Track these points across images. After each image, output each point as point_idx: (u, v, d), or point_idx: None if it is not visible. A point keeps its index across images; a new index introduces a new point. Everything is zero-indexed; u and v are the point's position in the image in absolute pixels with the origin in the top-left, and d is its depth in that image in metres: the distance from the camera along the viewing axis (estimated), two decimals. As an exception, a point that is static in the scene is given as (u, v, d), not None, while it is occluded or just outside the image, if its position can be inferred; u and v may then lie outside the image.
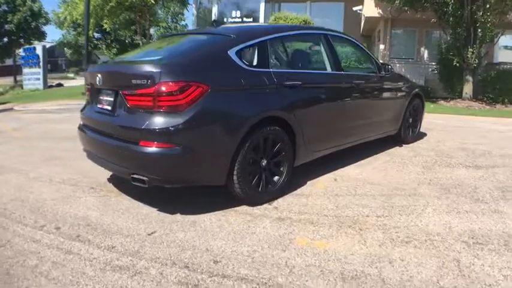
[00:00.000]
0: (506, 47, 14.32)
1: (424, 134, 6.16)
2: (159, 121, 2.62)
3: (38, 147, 5.24)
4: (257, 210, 3.04)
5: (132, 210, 3.02)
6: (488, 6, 10.42)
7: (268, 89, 3.13)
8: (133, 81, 2.69)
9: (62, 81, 21.73)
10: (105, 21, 16.25)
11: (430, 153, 5.01)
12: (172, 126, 2.60)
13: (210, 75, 2.79)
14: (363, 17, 17.69)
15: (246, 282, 2.05)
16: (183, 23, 35.68)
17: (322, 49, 3.87)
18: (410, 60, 16.69)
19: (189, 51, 3.17)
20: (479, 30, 10.90)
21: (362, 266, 2.23)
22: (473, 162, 4.54)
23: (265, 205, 3.13)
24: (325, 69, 3.86)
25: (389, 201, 3.25)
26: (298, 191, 3.48)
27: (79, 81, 19.49)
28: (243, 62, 3.04)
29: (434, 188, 3.61)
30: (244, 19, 22.30)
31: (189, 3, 20.89)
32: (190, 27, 25.66)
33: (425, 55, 17.07)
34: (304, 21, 16.88)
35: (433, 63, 14.93)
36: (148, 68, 2.69)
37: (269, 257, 2.32)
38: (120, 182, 3.59)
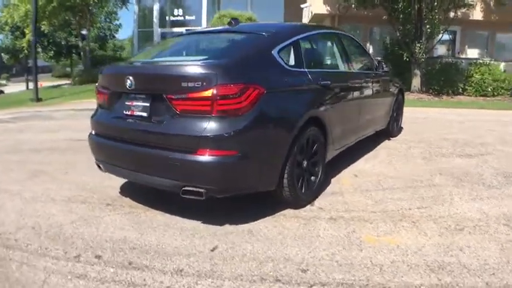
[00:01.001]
0: (442, 42, 15.62)
1: (401, 127, 6.56)
2: (219, 127, 2.45)
3: (10, 162, 4.66)
4: (304, 212, 3.04)
5: (172, 225, 2.80)
6: (435, 3, 11.33)
7: (307, 89, 3.14)
8: (184, 84, 2.48)
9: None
10: (43, 22, 15.15)
11: (420, 144, 5.37)
12: (233, 132, 2.46)
13: (262, 76, 2.71)
14: (310, 14, 18.26)
15: (348, 287, 2.08)
16: (116, 22, 34.68)
17: (339, 48, 3.99)
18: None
19: (236, 51, 3.01)
20: (427, 26, 11.80)
21: (440, 256, 2.34)
22: (463, 152, 4.96)
23: (308, 207, 3.13)
24: (342, 68, 3.98)
25: (418, 193, 3.44)
26: (328, 189, 3.54)
27: (14, 87, 17.90)
28: (284, 61, 3.00)
29: (446, 177, 3.89)
30: (187, 17, 22.05)
31: (129, 2, 20.14)
32: (129, 26, 24.75)
33: (370, 50, 18.05)
34: (249, 18, 17.16)
35: (378, 58, 15.88)
36: (204, 70, 2.50)
37: (352, 259, 2.33)
38: (137, 195, 3.32)
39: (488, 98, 12.09)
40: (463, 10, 13.16)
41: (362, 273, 2.18)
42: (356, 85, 4.09)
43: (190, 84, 2.46)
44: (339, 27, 17.84)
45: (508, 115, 8.93)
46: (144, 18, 23.08)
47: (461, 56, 16.33)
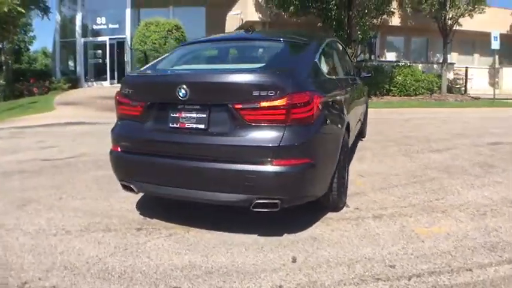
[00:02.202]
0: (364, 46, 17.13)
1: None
2: (295, 135, 2.43)
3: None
4: (346, 214, 3.15)
5: (230, 242, 2.66)
6: (366, 11, 12.52)
7: (340, 95, 3.31)
8: (256, 93, 2.40)
9: None
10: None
11: (390, 143, 5.97)
12: (306, 140, 2.48)
13: (317, 84, 2.80)
14: (240, 21, 18.61)
15: (437, 273, 2.24)
16: (31, 34, 32.78)
17: (339, 55, 4.26)
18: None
19: (291, 59, 2.95)
20: (358, 32, 12.95)
21: (486, 237, 2.70)
22: (432, 147, 5.66)
23: (345, 208, 3.26)
24: (343, 74, 4.20)
25: (427, 186, 3.86)
26: (348, 191, 3.77)
27: None
28: (322, 69, 3.12)
29: (437, 171, 4.42)
30: (110, 26, 21.02)
31: (50, 11, 18.55)
32: (41, 37, 22.59)
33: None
34: (176, 25, 17.14)
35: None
36: (277, 78, 2.46)
37: (421, 250, 2.54)
38: (161, 214, 3.09)
39: (412, 97, 13.65)
40: (384, 16, 14.71)
41: (440, 261, 2.40)
42: (355, 91, 4.43)
43: (263, 93, 2.40)
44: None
45: (441, 112, 10.27)
46: (64, 28, 21.49)
47: (382, 59, 18.17)
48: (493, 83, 16.00)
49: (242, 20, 18.39)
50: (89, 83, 20.52)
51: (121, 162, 2.87)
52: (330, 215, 3.14)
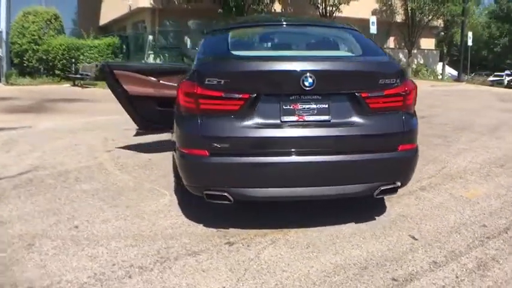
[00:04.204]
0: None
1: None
2: (412, 121, 2.54)
3: None
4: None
5: (336, 234, 2.53)
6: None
7: None
8: (381, 81, 2.38)
9: None
10: None
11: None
12: (416, 125, 2.59)
13: None
14: (129, 7, 17.08)
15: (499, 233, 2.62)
16: None
17: None
18: (176, 49, 17.65)
19: (377, 47, 2.88)
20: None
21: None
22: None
23: None
24: None
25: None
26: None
27: None
28: None
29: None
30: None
31: None
32: None
33: (188, 44, 18.51)
34: (54, 14, 15.74)
35: (197, 49, 16.61)
36: (398, 66, 2.55)
37: (485, 209, 2.96)
38: (231, 222, 2.66)
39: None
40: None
41: (497, 220, 2.81)
42: None
43: (388, 81, 2.41)
44: (159, 20, 17.49)
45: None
46: None
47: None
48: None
49: (130, 6, 16.86)
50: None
51: (210, 168, 2.35)
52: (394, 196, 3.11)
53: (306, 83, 2.25)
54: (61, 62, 14.75)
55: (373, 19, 14.78)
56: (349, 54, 2.81)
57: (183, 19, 17.59)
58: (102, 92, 12.82)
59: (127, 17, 18.89)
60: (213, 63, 2.48)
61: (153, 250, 2.27)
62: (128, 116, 4.25)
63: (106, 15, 20.73)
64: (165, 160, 4.17)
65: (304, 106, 2.33)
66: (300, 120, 2.34)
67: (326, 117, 2.35)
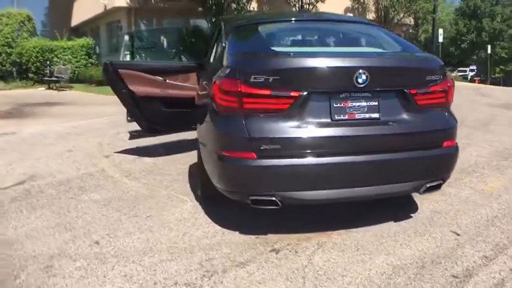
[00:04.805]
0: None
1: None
2: (451, 117, 2.51)
3: None
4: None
5: (380, 234, 2.45)
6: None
7: None
8: (428, 78, 2.35)
9: None
10: None
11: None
12: (456, 121, 2.57)
13: None
14: (104, 7, 16.46)
15: None
16: None
17: None
18: (153, 49, 17.26)
19: (408, 44, 2.87)
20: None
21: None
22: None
23: None
24: None
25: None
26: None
27: None
28: None
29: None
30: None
31: None
32: None
33: (165, 42, 18.12)
34: (27, 16, 15.46)
35: (173, 50, 16.32)
36: (441, 62, 2.52)
37: (505, 204, 2.95)
38: (266, 227, 2.51)
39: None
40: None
41: None
42: None
43: (433, 77, 2.39)
44: (136, 19, 16.99)
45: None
46: None
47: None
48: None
49: (106, 6, 16.24)
50: None
51: (258, 172, 2.17)
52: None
53: (360, 80, 2.16)
54: (35, 65, 14.15)
55: (350, 15, 14.95)
56: (396, 50, 2.71)
57: (160, 18, 17.17)
58: (80, 94, 12.36)
59: (101, 17, 18.20)
60: (259, 60, 2.29)
61: (195, 263, 2.07)
62: (131, 118, 3.99)
63: (78, 16, 19.89)
64: (170, 164, 3.96)
65: (354, 104, 2.23)
66: (351, 118, 2.23)
67: (376, 115, 2.26)
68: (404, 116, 2.32)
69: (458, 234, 2.45)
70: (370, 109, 2.25)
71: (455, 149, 2.49)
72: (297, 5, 18.04)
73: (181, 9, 15.41)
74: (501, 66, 30.78)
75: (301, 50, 2.73)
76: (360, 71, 2.15)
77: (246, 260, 2.11)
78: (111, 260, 2.14)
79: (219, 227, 2.49)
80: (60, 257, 2.20)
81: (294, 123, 2.16)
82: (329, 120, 2.20)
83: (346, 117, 2.22)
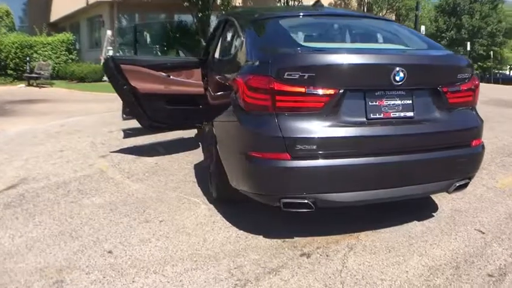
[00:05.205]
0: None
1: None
2: (478, 116, 2.49)
3: None
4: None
5: (408, 234, 2.39)
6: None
7: None
8: (459, 76, 2.32)
9: None
10: None
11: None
12: (482, 120, 2.56)
13: None
14: (87, 1, 15.94)
15: None
16: None
17: None
18: (137, 44, 16.88)
19: (433, 42, 2.82)
20: (223, 12, 12.83)
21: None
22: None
23: None
24: None
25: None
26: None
27: None
28: None
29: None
30: None
31: None
32: None
33: (148, 38, 17.76)
34: (6, 11, 15.67)
35: (157, 46, 16.05)
36: (468, 61, 2.49)
37: None
38: (291, 230, 2.40)
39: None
40: None
41: None
42: None
43: (463, 76, 2.36)
44: (118, 14, 16.51)
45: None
46: None
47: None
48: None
49: (88, 0, 15.72)
50: None
51: (292, 173, 2.04)
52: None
53: (397, 78, 2.09)
54: (13, 61, 13.51)
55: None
56: (423, 47, 2.66)
57: (144, 13, 16.76)
58: (63, 91, 11.88)
59: (82, 12, 17.61)
60: (295, 56, 2.15)
61: (223, 272, 1.93)
62: (132, 115, 3.79)
63: (58, 11, 19.19)
64: (173, 163, 3.78)
65: (389, 102, 2.16)
66: (386, 117, 2.15)
67: (410, 114, 2.19)
68: (437, 114, 2.27)
69: (483, 233, 2.42)
70: (405, 108, 2.18)
71: (483, 148, 2.46)
72: (282, 0, 18.00)
73: (165, 3, 15.09)
74: (479, 63, 31.53)
75: (334, 46, 2.63)
76: (398, 68, 2.08)
77: (278, 266, 1.99)
78: (129, 271, 1.97)
79: (241, 231, 2.35)
80: (71, 269, 2.01)
81: (329, 122, 2.05)
82: (364, 119, 2.11)
83: (382, 116, 2.14)
